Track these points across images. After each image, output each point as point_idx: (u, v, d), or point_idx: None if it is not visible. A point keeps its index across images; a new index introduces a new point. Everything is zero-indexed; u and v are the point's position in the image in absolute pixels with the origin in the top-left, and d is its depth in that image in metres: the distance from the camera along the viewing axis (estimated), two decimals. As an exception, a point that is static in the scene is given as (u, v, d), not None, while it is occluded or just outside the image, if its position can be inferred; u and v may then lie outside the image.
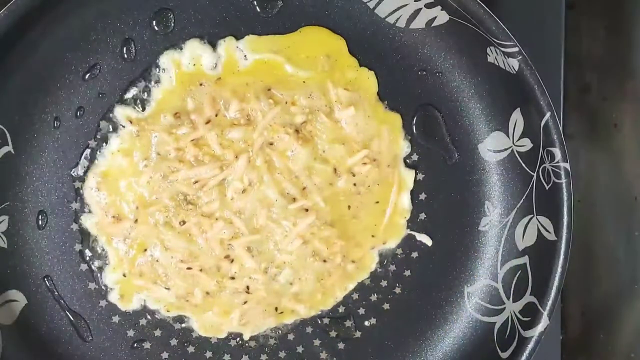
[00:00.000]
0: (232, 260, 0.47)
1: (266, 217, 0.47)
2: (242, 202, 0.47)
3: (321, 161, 0.47)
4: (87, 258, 0.48)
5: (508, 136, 0.48)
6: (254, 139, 0.46)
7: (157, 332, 0.48)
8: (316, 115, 0.47)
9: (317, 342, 0.49)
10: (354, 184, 0.48)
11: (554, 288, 0.45)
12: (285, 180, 0.47)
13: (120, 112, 0.47)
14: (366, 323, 0.50)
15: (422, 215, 0.49)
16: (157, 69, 0.47)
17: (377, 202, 0.48)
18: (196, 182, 0.47)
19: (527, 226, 0.48)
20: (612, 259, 0.52)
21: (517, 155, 0.48)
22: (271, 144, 0.47)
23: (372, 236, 0.49)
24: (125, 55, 0.46)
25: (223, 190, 0.47)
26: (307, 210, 0.47)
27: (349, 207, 0.48)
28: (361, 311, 0.50)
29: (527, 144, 0.47)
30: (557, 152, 0.45)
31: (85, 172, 0.47)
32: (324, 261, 0.48)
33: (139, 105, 0.47)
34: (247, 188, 0.47)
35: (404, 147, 0.49)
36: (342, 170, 0.47)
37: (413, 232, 0.49)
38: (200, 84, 0.46)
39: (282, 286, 0.48)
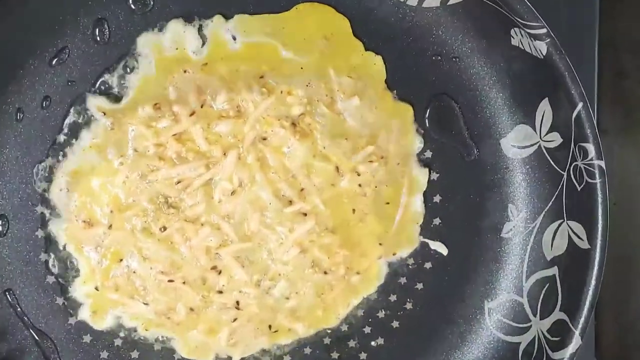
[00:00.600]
0: (219, 272, 0.47)
1: (259, 222, 0.46)
2: (231, 205, 0.46)
3: (321, 158, 0.47)
4: (54, 269, 0.47)
5: (535, 130, 0.47)
6: (245, 133, 0.46)
7: (134, 354, 0.48)
8: (315, 107, 0.46)
9: (316, 365, 0.49)
10: (359, 185, 0.47)
11: (587, 303, 0.45)
12: (281, 180, 0.47)
13: (93, 103, 0.46)
14: (372, 343, 0.49)
15: (437, 220, 0.49)
16: (135, 54, 0.46)
17: (387, 204, 0.48)
18: (179, 182, 0.46)
19: (557, 233, 0.47)
20: (652, 268, 0.52)
21: (544, 151, 0.47)
22: (264, 139, 0.46)
23: (380, 244, 0.48)
24: (98, 38, 0.46)
25: (209, 191, 0.46)
26: (305, 214, 0.47)
27: (354, 210, 0.47)
28: (367, 330, 0.49)
29: (556, 139, 0.46)
30: (590, 148, 0.44)
31: (53, 171, 0.46)
32: (325, 273, 0.47)
33: (114, 95, 0.46)
34: (237, 189, 0.46)
35: (416, 143, 0.48)
36: (345, 169, 0.47)
37: (426, 240, 0.49)
38: (184, 71, 0.46)
39: (277, 301, 0.48)
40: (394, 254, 0.49)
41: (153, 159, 0.46)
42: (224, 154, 0.46)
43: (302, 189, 0.47)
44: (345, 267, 0.48)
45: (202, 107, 0.46)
